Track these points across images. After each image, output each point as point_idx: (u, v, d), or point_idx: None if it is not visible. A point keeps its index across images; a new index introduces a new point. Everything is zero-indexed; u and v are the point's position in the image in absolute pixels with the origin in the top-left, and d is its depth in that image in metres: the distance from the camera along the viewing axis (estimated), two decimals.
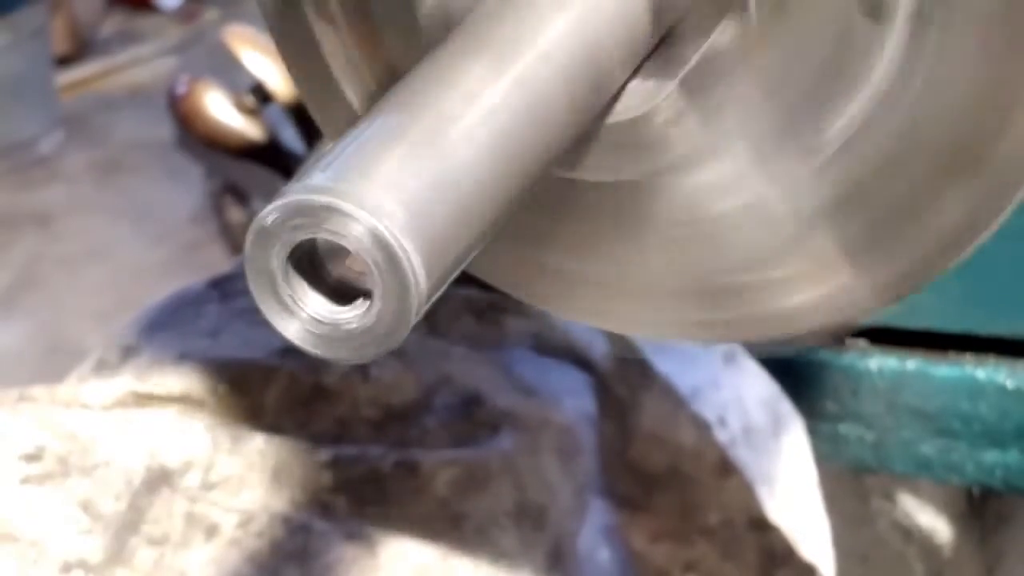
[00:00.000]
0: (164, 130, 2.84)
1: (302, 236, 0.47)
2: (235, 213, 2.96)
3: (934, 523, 1.41)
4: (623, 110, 0.63)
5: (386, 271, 0.47)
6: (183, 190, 3.63)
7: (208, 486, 0.98)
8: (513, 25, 0.55)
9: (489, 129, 0.51)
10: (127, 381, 1.04)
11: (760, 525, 1.17)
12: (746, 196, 0.65)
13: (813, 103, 0.61)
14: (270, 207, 0.48)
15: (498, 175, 0.52)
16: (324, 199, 0.46)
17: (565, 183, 0.67)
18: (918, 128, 0.60)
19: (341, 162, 0.48)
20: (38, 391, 1.04)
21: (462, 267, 0.52)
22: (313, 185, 0.47)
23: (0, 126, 4.05)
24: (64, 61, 4.50)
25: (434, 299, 0.50)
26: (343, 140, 0.50)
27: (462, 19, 0.57)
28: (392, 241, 0.46)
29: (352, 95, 0.71)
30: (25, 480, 0.96)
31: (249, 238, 0.48)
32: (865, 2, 0.57)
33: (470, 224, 0.50)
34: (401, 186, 0.48)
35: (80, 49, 4.68)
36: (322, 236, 0.47)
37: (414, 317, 0.48)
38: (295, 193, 0.47)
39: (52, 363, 2.22)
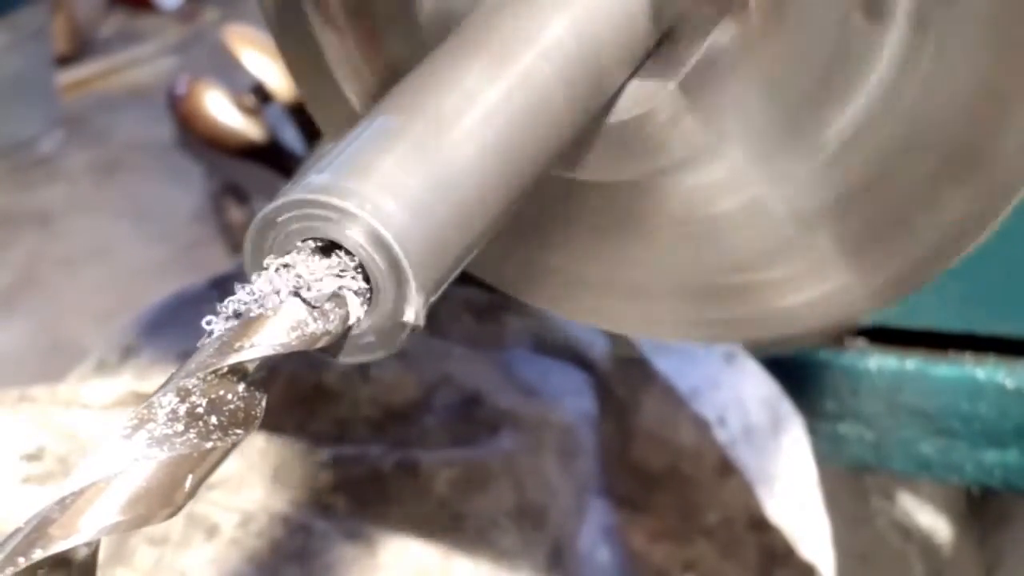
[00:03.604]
0: (164, 130, 2.84)
1: (302, 236, 0.47)
2: (235, 213, 2.96)
3: (934, 522, 1.41)
4: (623, 110, 0.63)
5: (386, 272, 0.47)
6: (183, 190, 3.63)
7: (208, 486, 0.98)
8: (513, 25, 0.55)
9: (489, 129, 0.51)
10: (127, 381, 1.04)
11: (760, 525, 1.17)
12: (745, 196, 0.65)
13: (812, 104, 0.61)
14: (269, 207, 0.48)
15: (498, 175, 0.52)
16: (324, 199, 0.46)
17: (565, 183, 0.67)
18: (917, 129, 0.60)
19: (341, 162, 0.48)
20: (38, 391, 1.04)
21: (462, 267, 0.52)
22: (313, 185, 0.47)
23: (0, 126, 4.05)
24: (64, 61, 4.50)
25: (434, 300, 0.50)
26: (343, 140, 0.50)
27: (462, 19, 0.57)
28: (392, 242, 0.46)
29: (352, 95, 0.71)
30: (26, 480, 0.96)
31: (248, 237, 0.48)
32: (864, 2, 0.57)
33: (470, 224, 0.50)
34: (401, 186, 0.48)
35: (80, 49, 4.68)
36: (321, 236, 0.47)
37: (413, 320, 0.48)
38: (295, 193, 0.47)
39: (52, 362, 2.22)
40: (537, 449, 1.06)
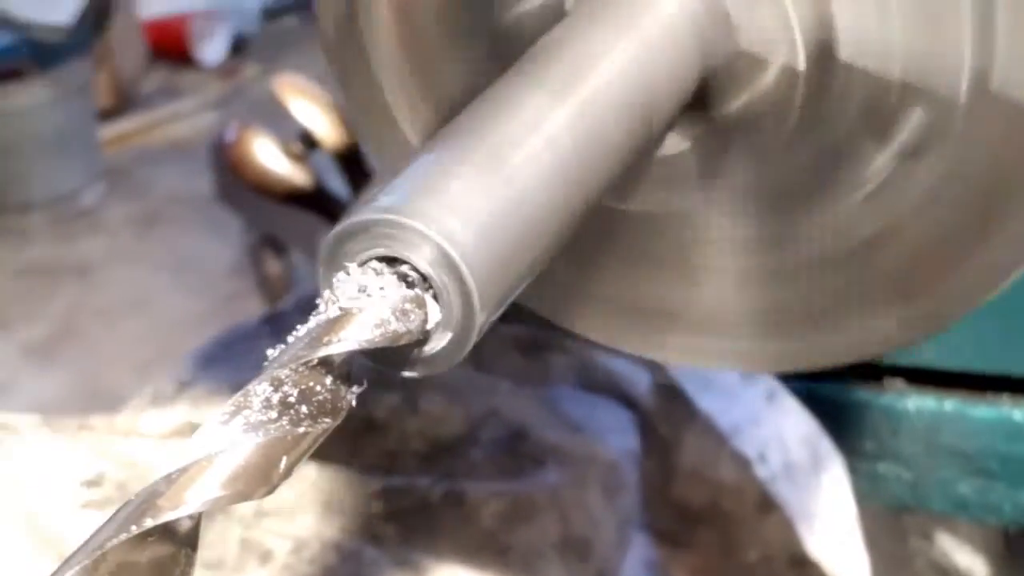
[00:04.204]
0: (204, 183, 2.87)
1: (371, 254, 0.49)
2: (273, 265, 2.98)
3: (971, 562, 1.41)
4: (671, 144, 0.65)
5: (452, 289, 0.49)
6: (222, 243, 3.65)
7: (262, 514, 1.00)
8: (573, 57, 0.57)
9: (551, 155, 0.53)
10: (183, 411, 1.06)
11: (800, 562, 1.17)
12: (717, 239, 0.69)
13: (796, 190, 0.65)
14: (341, 226, 0.50)
15: (558, 200, 0.54)
16: (394, 218, 0.48)
17: (617, 214, 0.69)
18: (873, 246, 0.64)
19: (409, 185, 0.50)
20: (97, 420, 1.06)
21: (521, 289, 0.53)
22: (383, 206, 0.49)
23: (43, 179, 4.09)
24: (107, 115, 4.55)
25: (493, 320, 0.52)
26: (411, 164, 0.52)
27: (518, 55, 0.59)
28: (459, 261, 0.48)
29: (411, 133, 0.73)
30: (86, 505, 0.98)
31: (322, 256, 0.50)
32: (877, 127, 0.61)
33: (531, 247, 0.52)
34: (467, 208, 0.50)
35: (123, 104, 4.73)
36: (390, 255, 0.49)
37: (476, 335, 0.50)
38: (365, 213, 0.49)
39: (91, 413, 2.24)
40: (582, 483, 1.08)
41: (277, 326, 1.13)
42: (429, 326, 0.49)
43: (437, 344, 0.50)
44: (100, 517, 0.99)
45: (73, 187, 4.18)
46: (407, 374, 0.52)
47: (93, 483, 0.99)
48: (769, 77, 0.62)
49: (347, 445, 1.08)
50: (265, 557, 0.99)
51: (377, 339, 0.46)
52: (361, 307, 0.47)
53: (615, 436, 1.13)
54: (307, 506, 1.02)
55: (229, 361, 1.13)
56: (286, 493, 1.03)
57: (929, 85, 0.58)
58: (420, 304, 0.48)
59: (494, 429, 1.10)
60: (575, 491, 1.07)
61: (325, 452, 1.09)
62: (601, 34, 0.58)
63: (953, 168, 0.60)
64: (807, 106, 0.61)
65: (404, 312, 0.47)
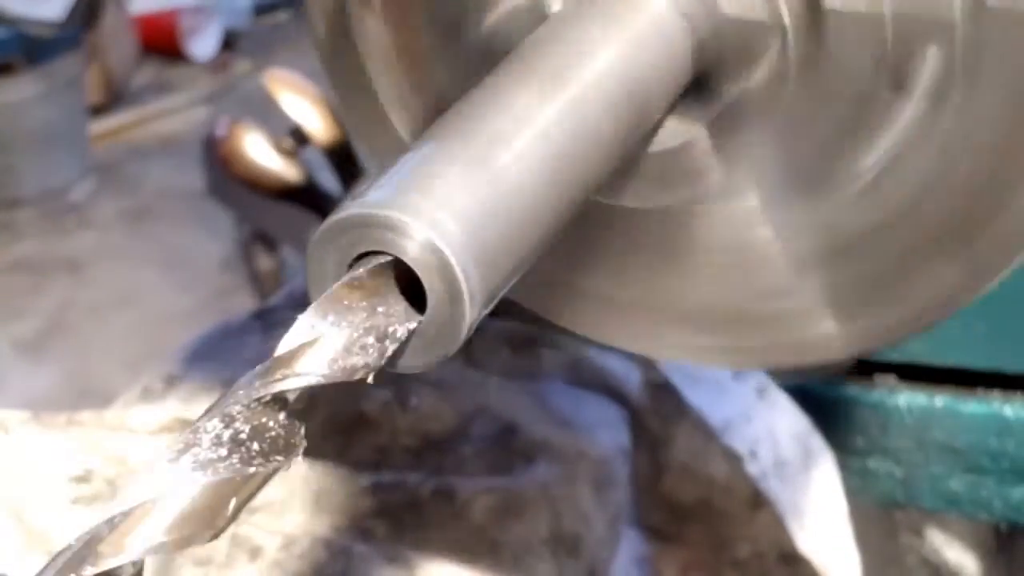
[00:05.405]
0: (194, 178, 2.88)
1: (359, 249, 0.49)
2: (264, 261, 2.98)
3: (962, 559, 1.41)
4: (661, 140, 0.65)
5: (441, 285, 0.49)
6: (212, 238, 3.66)
7: (251, 510, 1.00)
8: (563, 54, 0.57)
9: (540, 151, 0.53)
10: (173, 407, 1.06)
11: (790, 558, 1.18)
12: (757, 234, 0.68)
13: (826, 157, 0.63)
14: (328, 221, 0.50)
15: (547, 196, 0.54)
16: (382, 213, 0.48)
17: (606, 209, 0.69)
18: (921, 196, 0.62)
19: (398, 180, 0.51)
20: (86, 416, 1.06)
21: (511, 285, 0.54)
22: (371, 201, 0.49)
23: (33, 174, 4.10)
24: (97, 110, 4.55)
25: (484, 315, 0.52)
26: (400, 160, 0.52)
27: (507, 51, 0.59)
28: (448, 255, 0.48)
29: (400, 126, 0.73)
30: (75, 501, 0.98)
31: (309, 254, 0.50)
32: (889, 75, 0.59)
33: (520, 243, 0.52)
34: (456, 203, 0.50)
35: (113, 99, 4.73)
36: (378, 250, 0.49)
37: (466, 331, 0.50)
38: (353, 208, 0.49)
39: (81, 408, 2.23)
40: (572, 479, 1.08)
41: (268, 321, 1.12)
42: (387, 354, 0.48)
43: (427, 340, 0.50)
44: (89, 513, 0.99)
45: (63, 182, 4.19)
46: (390, 369, 0.51)
47: (82, 479, 0.99)
48: (759, 42, 0.61)
49: (337, 441, 1.08)
50: (255, 553, 0.99)
51: (334, 374, 0.45)
52: (316, 339, 0.46)
53: (606, 432, 1.13)
54: (297, 502, 1.02)
55: (219, 357, 1.13)
56: (276, 489, 1.03)
57: (923, 15, 0.57)
58: (380, 336, 0.47)
59: (484, 425, 1.10)
60: (565, 487, 1.07)
61: (315, 448, 1.09)
62: (590, 29, 0.58)
63: (977, 106, 0.58)
64: (805, 66, 0.60)
65: (363, 346, 0.46)
